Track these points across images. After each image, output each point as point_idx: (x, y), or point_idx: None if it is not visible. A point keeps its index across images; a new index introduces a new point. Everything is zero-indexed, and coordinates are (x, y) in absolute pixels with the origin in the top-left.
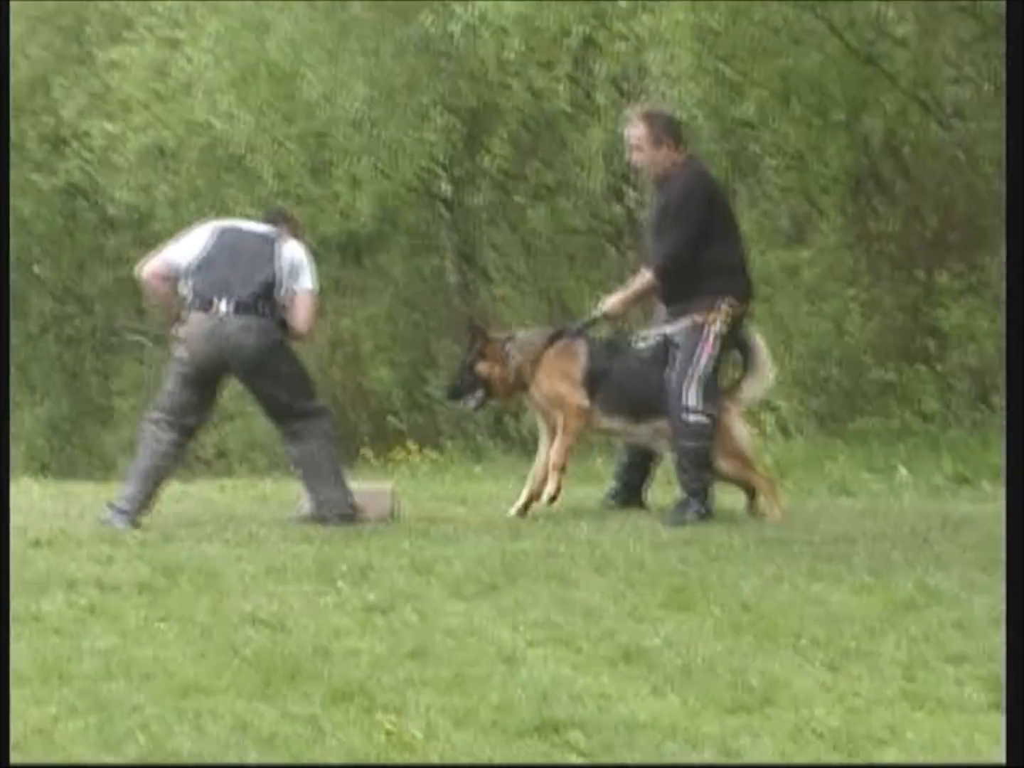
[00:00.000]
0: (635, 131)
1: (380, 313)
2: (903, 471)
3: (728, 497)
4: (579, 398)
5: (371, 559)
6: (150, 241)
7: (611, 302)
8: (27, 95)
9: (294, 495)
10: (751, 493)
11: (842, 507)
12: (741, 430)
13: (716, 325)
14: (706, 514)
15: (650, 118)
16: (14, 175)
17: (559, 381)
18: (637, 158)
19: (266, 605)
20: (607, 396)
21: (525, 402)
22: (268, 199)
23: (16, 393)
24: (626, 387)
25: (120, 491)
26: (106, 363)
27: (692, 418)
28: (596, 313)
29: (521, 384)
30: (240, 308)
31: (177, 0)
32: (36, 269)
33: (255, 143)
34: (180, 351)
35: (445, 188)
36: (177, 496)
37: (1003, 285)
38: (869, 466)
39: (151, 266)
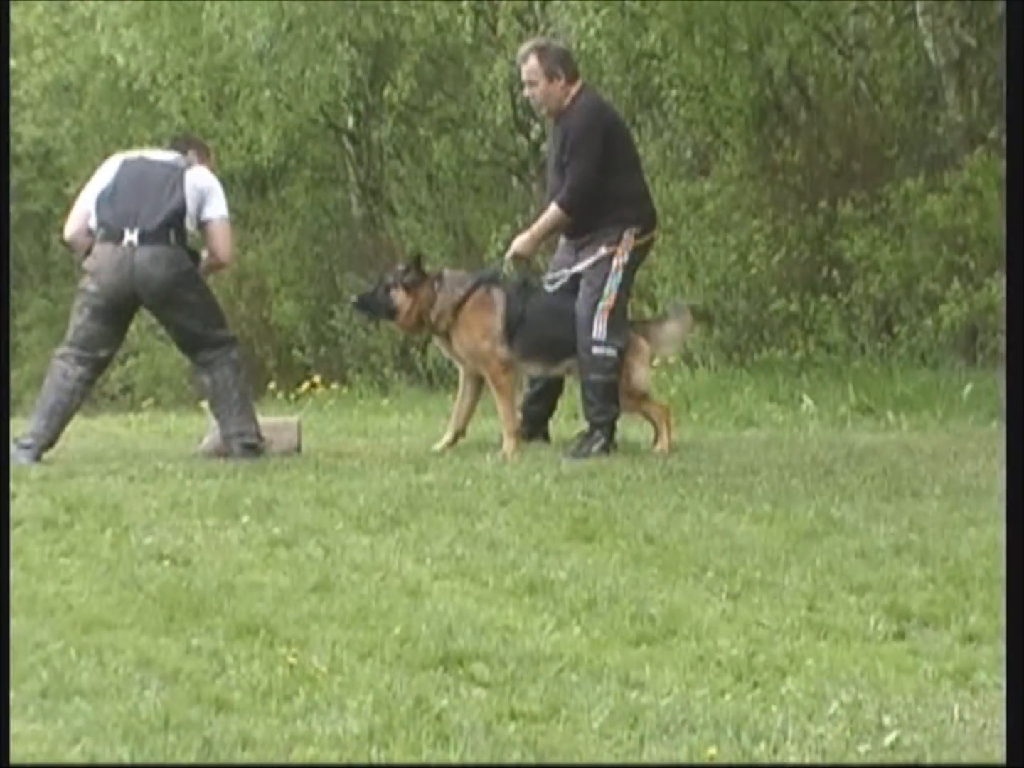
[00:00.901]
0: (527, 65)
1: (285, 247)
2: (807, 402)
3: (633, 429)
4: (502, 353)
5: (276, 493)
6: (54, 176)
7: (521, 241)
8: None
9: (199, 430)
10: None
11: (746, 438)
12: (640, 368)
13: (622, 256)
14: (611, 447)
15: (541, 51)
16: None
17: (481, 338)
18: (531, 92)
19: (170, 540)
20: (525, 341)
21: (439, 344)
22: (171, 133)
23: None
24: (543, 330)
25: (25, 427)
26: (11, 298)
27: (598, 350)
28: (507, 256)
29: (435, 327)
30: (148, 238)
31: None
32: None
33: (158, 78)
34: (89, 283)
35: (349, 121)
36: (82, 431)
37: (914, 218)
38: (773, 397)
39: (71, 226)
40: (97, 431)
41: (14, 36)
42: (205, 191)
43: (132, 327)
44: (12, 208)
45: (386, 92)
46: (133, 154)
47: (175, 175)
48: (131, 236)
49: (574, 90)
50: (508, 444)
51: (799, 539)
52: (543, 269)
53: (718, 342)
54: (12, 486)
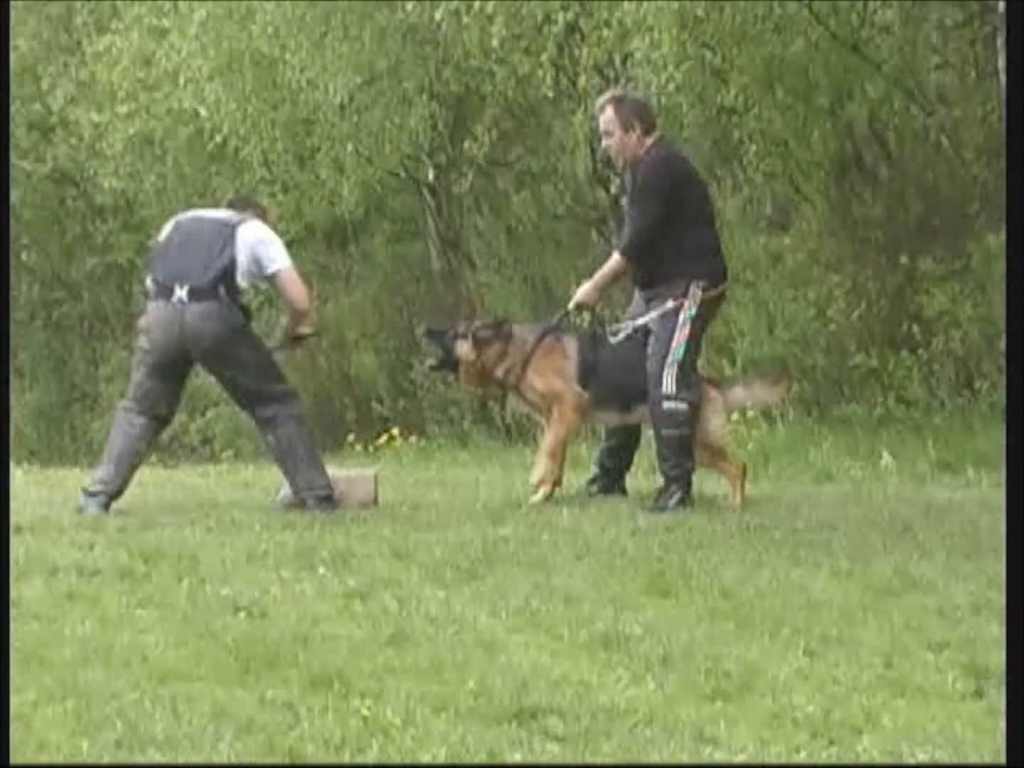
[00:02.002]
0: (604, 116)
1: (365, 300)
2: (887, 457)
3: (710, 483)
4: (576, 392)
5: (352, 545)
6: (137, 228)
7: (583, 290)
8: (16, 84)
9: (276, 482)
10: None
11: (825, 493)
12: (714, 420)
13: (689, 310)
14: (687, 501)
15: (618, 103)
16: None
17: (553, 378)
18: (608, 143)
19: (246, 592)
20: (597, 389)
21: (514, 400)
22: (254, 186)
23: None
24: (615, 378)
25: (93, 475)
26: (93, 350)
27: (668, 405)
28: (569, 306)
29: (505, 382)
30: (198, 294)
31: None
32: (24, 256)
33: (240, 131)
34: (142, 341)
35: (429, 174)
36: (160, 482)
37: (996, 275)
38: (852, 452)
39: None
40: (175, 482)
41: (98, 90)
42: (257, 244)
43: (212, 379)
44: (95, 260)
45: (466, 145)
46: (190, 213)
47: (226, 231)
48: (181, 292)
49: (650, 141)
50: (538, 469)
51: (877, 596)
52: (614, 318)
53: (797, 397)
54: (91, 536)
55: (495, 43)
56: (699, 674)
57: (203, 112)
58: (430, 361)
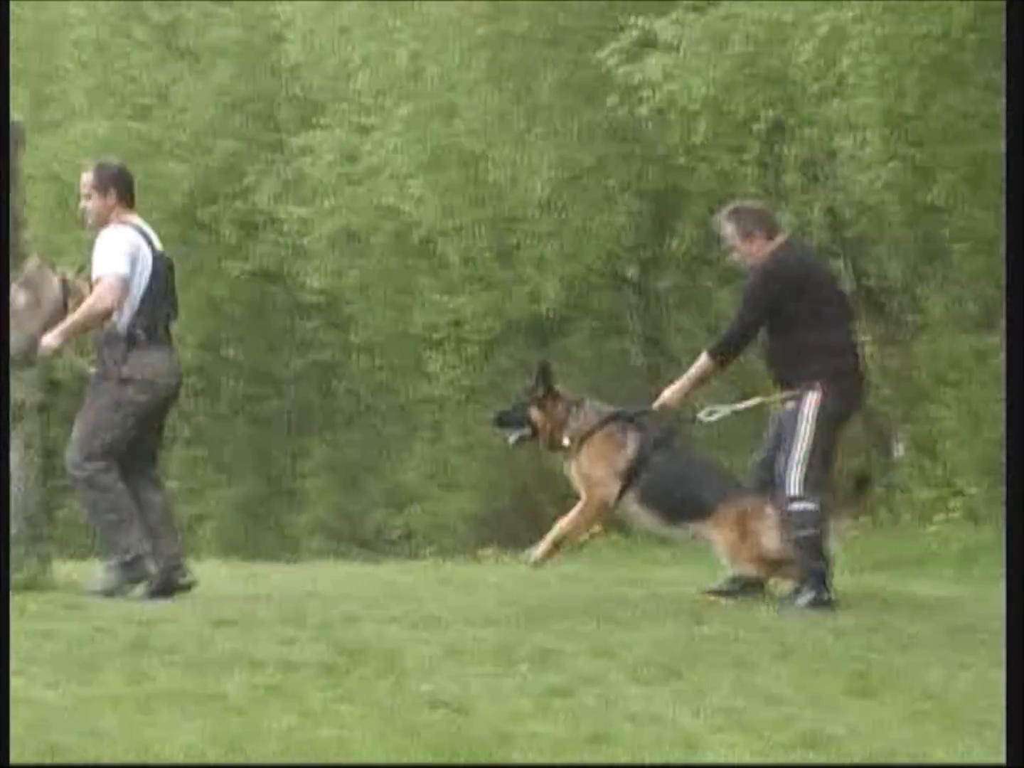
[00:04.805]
0: (725, 232)
1: None
2: None
3: (917, 583)
4: (607, 492)
5: (553, 642)
6: (340, 325)
7: (670, 391)
8: (220, 181)
9: (475, 578)
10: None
11: None
12: (773, 534)
13: (808, 411)
14: (822, 601)
15: (736, 215)
16: (208, 259)
17: (598, 466)
18: (734, 257)
19: (447, 688)
20: (645, 488)
21: (566, 469)
22: (455, 283)
23: (207, 474)
24: (668, 484)
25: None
26: (296, 445)
27: (795, 507)
28: (654, 405)
29: (558, 446)
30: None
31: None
32: (228, 351)
33: (443, 227)
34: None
35: (632, 271)
36: (361, 577)
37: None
38: None
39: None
40: (376, 577)
41: (303, 185)
42: None
43: (410, 476)
44: (298, 357)
45: (669, 242)
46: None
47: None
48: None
49: (772, 246)
50: (540, 551)
51: None
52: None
53: (1003, 497)
54: (292, 631)
55: (699, 140)
56: None
57: (406, 208)
58: (512, 437)
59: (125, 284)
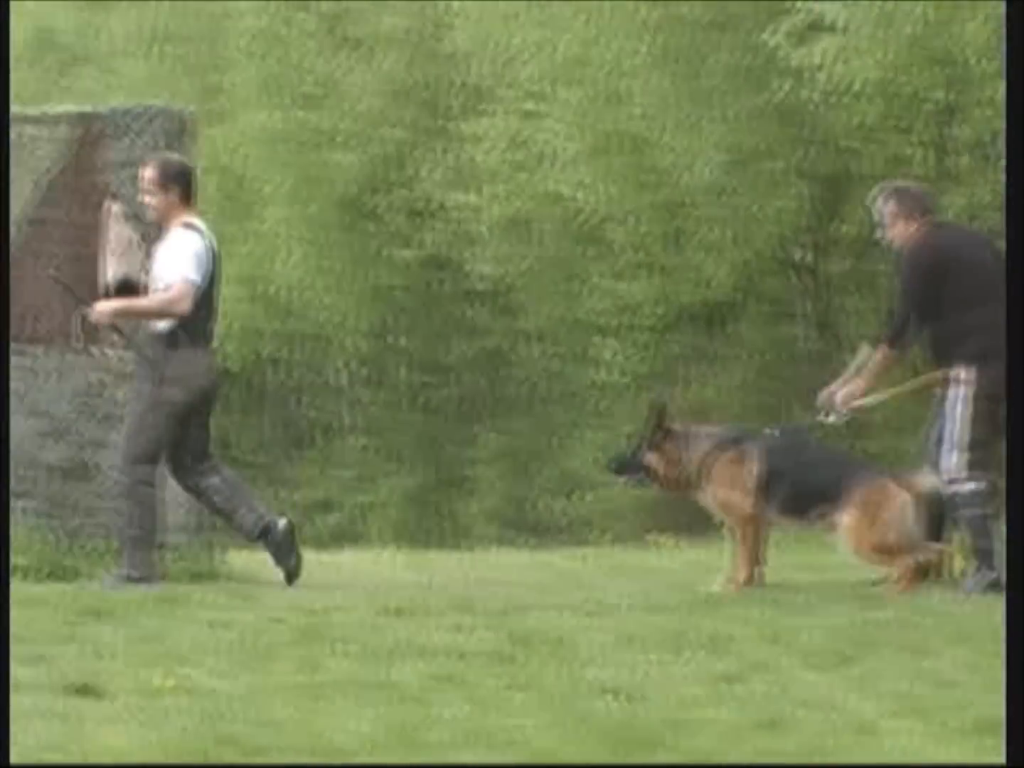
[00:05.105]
0: (881, 208)
1: (736, 382)
2: None
3: None
4: (747, 512)
5: (724, 628)
6: (508, 312)
7: (847, 392)
8: (388, 170)
9: (648, 565)
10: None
11: None
12: (898, 518)
13: (967, 390)
14: (997, 583)
15: (891, 194)
16: (376, 248)
17: (727, 491)
18: (886, 235)
19: (618, 675)
20: (778, 498)
21: (700, 501)
22: (624, 269)
23: (377, 462)
24: (796, 485)
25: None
26: (465, 433)
27: (957, 488)
28: (854, 404)
29: (683, 483)
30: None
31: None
32: (396, 339)
33: (611, 213)
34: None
35: (802, 255)
36: (532, 565)
37: None
38: None
39: None
40: (548, 565)
41: (471, 172)
42: None
43: (578, 462)
44: (467, 345)
45: (839, 226)
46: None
47: None
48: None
49: (922, 227)
50: (727, 583)
51: None
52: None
53: None
54: (463, 619)
55: (868, 122)
56: None
57: (574, 194)
58: (629, 482)
59: (197, 293)
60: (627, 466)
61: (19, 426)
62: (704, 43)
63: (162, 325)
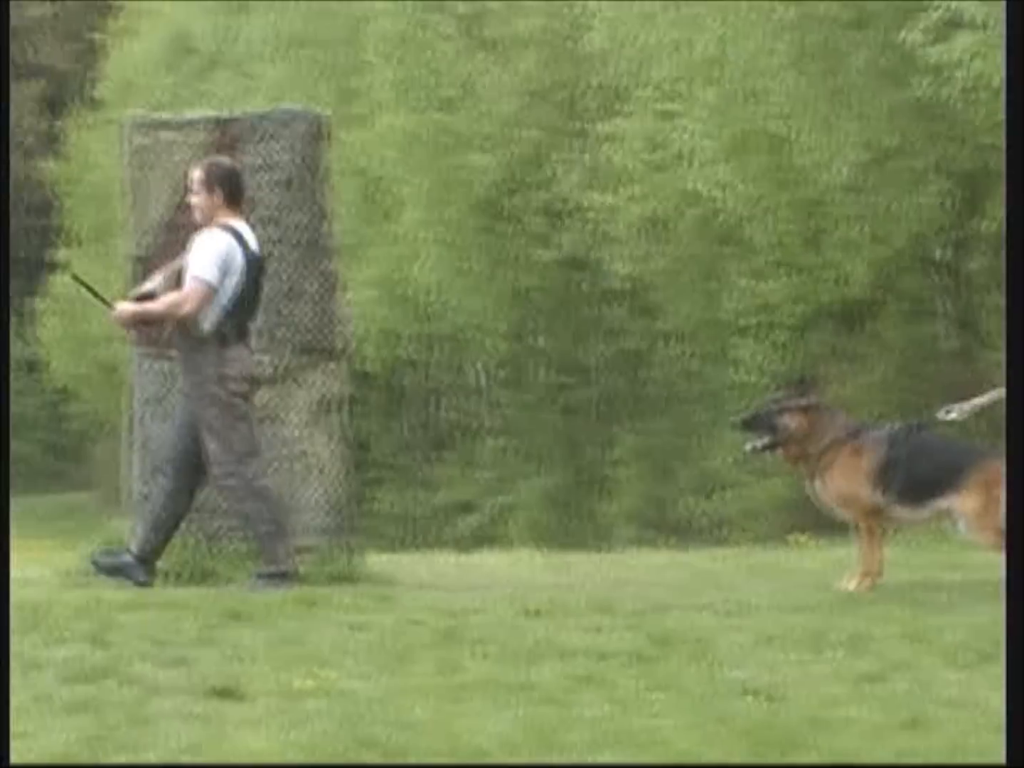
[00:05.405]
0: None
1: (877, 380)
2: None
3: None
4: (866, 504)
5: (864, 628)
6: (646, 312)
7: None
8: (525, 171)
9: (789, 564)
10: None
11: None
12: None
13: None
14: None
15: None
16: (514, 249)
17: (846, 482)
18: None
19: (758, 675)
20: (896, 490)
21: (808, 487)
22: (762, 268)
23: (517, 463)
24: (913, 476)
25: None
26: (605, 433)
27: None
28: (955, 414)
29: (808, 463)
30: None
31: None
32: (534, 340)
33: (749, 212)
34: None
35: (942, 253)
36: (671, 565)
37: None
38: None
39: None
40: (687, 565)
41: (608, 172)
42: None
43: (718, 461)
44: (606, 345)
45: (980, 223)
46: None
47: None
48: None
49: None
50: (856, 582)
51: None
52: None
53: None
54: (602, 620)
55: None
56: None
57: (711, 193)
58: (755, 443)
59: (210, 293)
60: (756, 423)
61: (157, 430)
62: (841, 41)
63: (208, 326)
